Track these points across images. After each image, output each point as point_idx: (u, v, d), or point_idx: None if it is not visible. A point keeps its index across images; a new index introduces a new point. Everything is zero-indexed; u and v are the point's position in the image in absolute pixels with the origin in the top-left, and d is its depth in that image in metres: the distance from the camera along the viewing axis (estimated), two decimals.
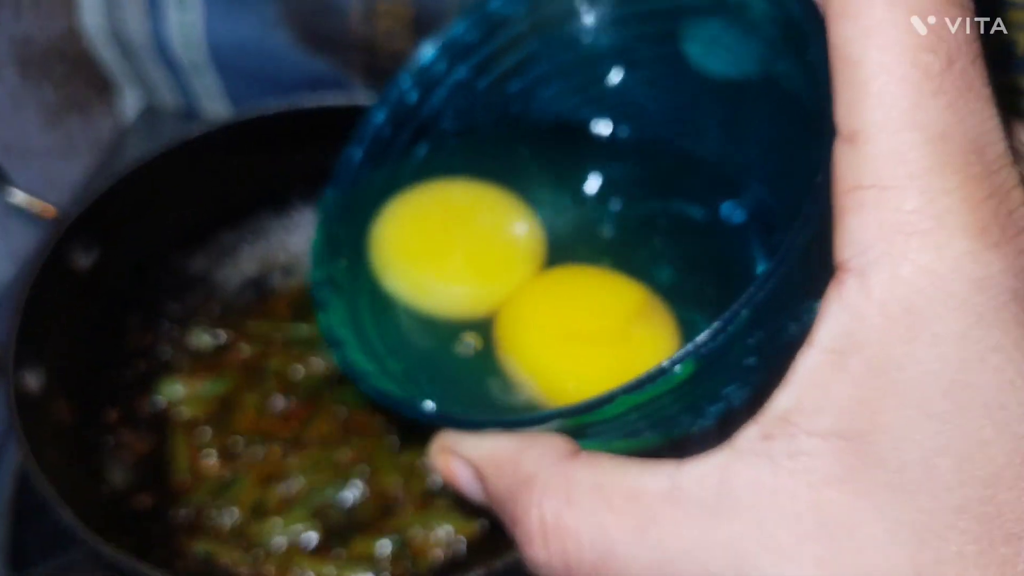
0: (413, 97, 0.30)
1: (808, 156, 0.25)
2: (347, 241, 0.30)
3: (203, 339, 0.58)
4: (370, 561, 0.49)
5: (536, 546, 0.22)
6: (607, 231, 0.33)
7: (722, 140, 0.30)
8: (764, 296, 0.20)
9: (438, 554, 0.50)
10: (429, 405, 0.26)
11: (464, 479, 0.24)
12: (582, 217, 0.33)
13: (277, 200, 0.61)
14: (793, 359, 0.20)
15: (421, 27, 0.66)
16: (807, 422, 0.20)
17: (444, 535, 0.50)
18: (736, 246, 0.30)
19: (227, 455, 0.53)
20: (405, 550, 0.49)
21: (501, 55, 0.30)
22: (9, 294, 0.53)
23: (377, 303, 0.30)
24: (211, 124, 0.55)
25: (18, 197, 0.52)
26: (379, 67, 0.70)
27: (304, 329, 0.58)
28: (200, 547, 0.49)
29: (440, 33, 0.30)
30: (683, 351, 0.20)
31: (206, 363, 0.57)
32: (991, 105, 0.19)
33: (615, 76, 0.30)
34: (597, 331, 0.29)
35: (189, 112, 0.79)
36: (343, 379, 0.55)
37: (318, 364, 0.57)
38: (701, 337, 0.20)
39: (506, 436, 0.23)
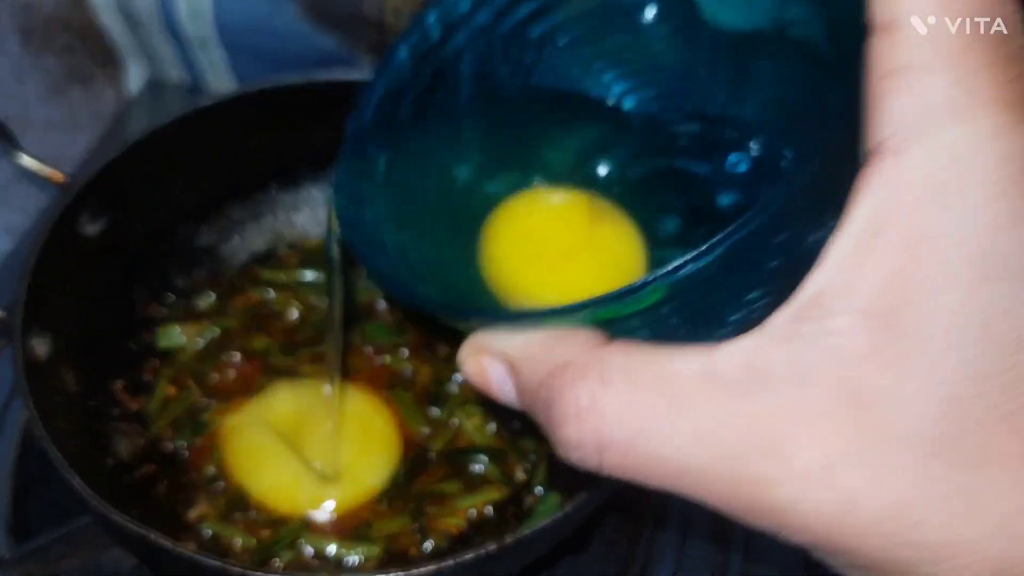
0: (435, 34, 0.30)
1: (819, 99, 0.26)
2: (373, 164, 0.31)
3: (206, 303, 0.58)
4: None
5: (570, 427, 0.22)
6: (613, 189, 0.33)
7: (730, 95, 0.31)
8: (776, 209, 0.20)
9: (449, 530, 0.49)
10: (467, 306, 0.27)
11: (495, 375, 0.24)
12: (588, 176, 0.34)
13: (285, 176, 0.61)
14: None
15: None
16: (838, 302, 0.20)
17: (457, 510, 0.50)
18: (740, 194, 0.31)
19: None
20: (416, 523, 0.49)
21: (521, 1, 0.30)
22: (16, 259, 0.52)
23: (405, 220, 0.30)
24: (221, 96, 0.55)
25: (27, 161, 0.51)
26: (388, 45, 0.70)
27: (307, 275, 0.59)
28: (202, 514, 0.49)
29: None
30: (710, 242, 0.20)
31: (206, 317, 0.57)
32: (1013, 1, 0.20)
33: (631, 28, 0.31)
34: (570, 240, 0.31)
35: (194, 87, 0.78)
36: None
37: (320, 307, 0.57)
38: (721, 234, 0.20)
39: (539, 330, 0.23)
